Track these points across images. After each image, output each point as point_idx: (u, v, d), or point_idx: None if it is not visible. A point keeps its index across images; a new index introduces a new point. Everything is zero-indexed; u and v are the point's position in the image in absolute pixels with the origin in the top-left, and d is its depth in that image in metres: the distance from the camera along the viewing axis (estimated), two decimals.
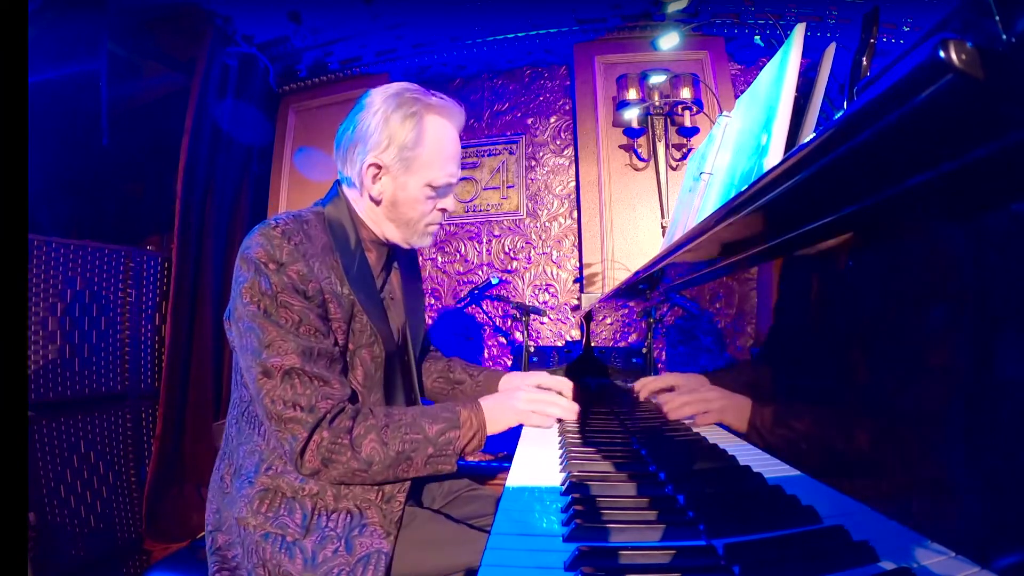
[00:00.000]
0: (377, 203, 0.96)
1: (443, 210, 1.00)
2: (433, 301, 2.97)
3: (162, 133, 2.58)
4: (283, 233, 0.85)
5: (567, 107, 2.97)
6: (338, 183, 1.02)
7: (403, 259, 1.12)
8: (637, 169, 2.72)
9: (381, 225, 0.99)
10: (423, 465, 0.85)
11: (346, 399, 0.85)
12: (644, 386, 1.04)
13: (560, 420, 1.01)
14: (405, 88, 0.93)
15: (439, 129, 0.93)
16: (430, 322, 2.95)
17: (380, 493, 0.89)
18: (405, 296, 1.09)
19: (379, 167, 0.92)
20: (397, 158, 0.91)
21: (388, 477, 0.85)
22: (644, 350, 1.12)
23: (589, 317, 1.76)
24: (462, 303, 2.86)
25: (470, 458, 2.63)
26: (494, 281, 2.58)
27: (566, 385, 1.11)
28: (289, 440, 0.80)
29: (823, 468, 0.48)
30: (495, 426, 0.93)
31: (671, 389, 0.95)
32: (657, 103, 2.59)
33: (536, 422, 0.98)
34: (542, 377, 1.14)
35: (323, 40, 2.94)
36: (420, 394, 1.12)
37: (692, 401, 0.82)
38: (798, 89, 0.79)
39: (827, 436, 0.46)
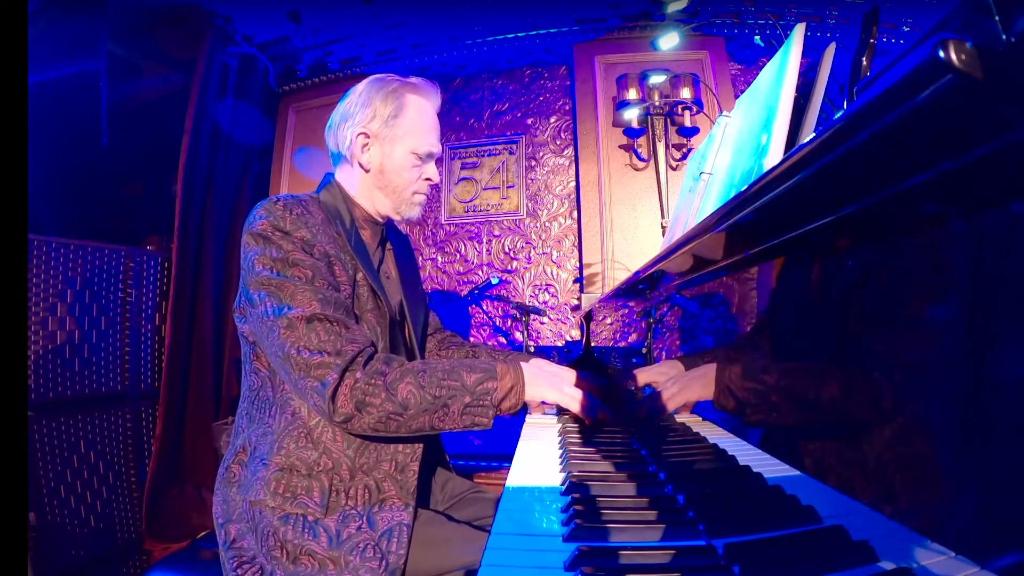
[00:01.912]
0: (367, 171, 1.04)
1: (428, 180, 1.07)
2: (431, 300, 2.97)
3: (162, 133, 2.58)
4: (284, 206, 0.90)
5: (567, 107, 2.97)
6: (329, 175, 1.09)
7: (396, 242, 1.18)
8: (637, 169, 2.72)
9: (372, 197, 1.05)
10: (459, 415, 0.84)
11: (370, 345, 0.86)
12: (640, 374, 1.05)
13: (563, 416, 1.00)
14: (386, 75, 1.06)
15: (418, 103, 1.04)
16: None
17: (394, 463, 0.90)
18: (401, 276, 1.14)
19: (367, 136, 1.01)
20: (382, 126, 1.01)
21: (424, 425, 0.83)
22: (644, 350, 1.12)
23: (589, 317, 1.76)
24: (462, 303, 2.86)
25: (471, 459, 2.63)
26: (494, 281, 2.58)
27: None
28: (318, 387, 0.80)
29: (823, 468, 0.48)
30: (534, 390, 0.90)
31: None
32: (657, 103, 2.59)
33: (574, 407, 0.94)
34: (573, 375, 1.07)
35: (323, 40, 2.94)
36: None
37: (660, 385, 0.84)
38: (798, 89, 0.79)
39: (827, 436, 0.46)
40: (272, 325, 0.83)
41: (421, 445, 0.93)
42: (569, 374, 0.98)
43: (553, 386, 0.93)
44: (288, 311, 0.82)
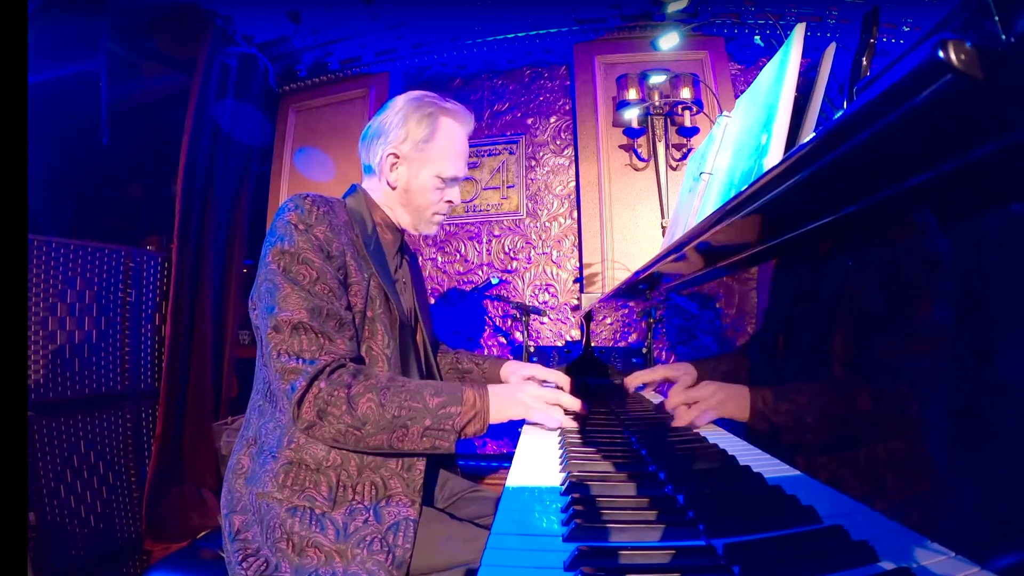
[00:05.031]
0: (393, 188, 1.09)
1: (449, 202, 1.12)
2: (432, 301, 2.97)
3: (162, 133, 2.58)
4: (312, 202, 0.94)
5: (567, 107, 2.97)
6: (355, 185, 1.13)
7: (411, 256, 1.23)
8: (637, 169, 2.72)
9: (394, 210, 1.11)
10: (419, 437, 0.84)
11: (349, 358, 0.87)
12: (634, 379, 1.05)
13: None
14: (424, 94, 1.09)
15: (450, 129, 1.07)
16: None
17: (400, 461, 0.90)
18: (415, 286, 1.18)
19: (397, 157, 1.06)
20: (412, 149, 1.05)
21: (382, 443, 0.84)
22: (644, 350, 1.12)
23: (589, 317, 1.77)
24: (462, 303, 2.86)
25: (471, 459, 2.63)
26: (494, 281, 2.58)
27: (563, 379, 1.12)
28: (288, 391, 0.82)
29: (823, 468, 0.48)
30: (499, 413, 0.92)
31: (665, 382, 0.95)
32: (657, 103, 2.59)
33: (540, 419, 0.96)
34: (539, 369, 1.21)
35: (323, 40, 2.93)
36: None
37: (690, 400, 0.82)
38: (798, 89, 0.79)
39: (827, 436, 0.46)
40: (265, 324, 0.86)
41: None
42: (532, 385, 0.99)
43: (521, 406, 0.95)
44: (278, 313, 0.84)
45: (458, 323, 2.92)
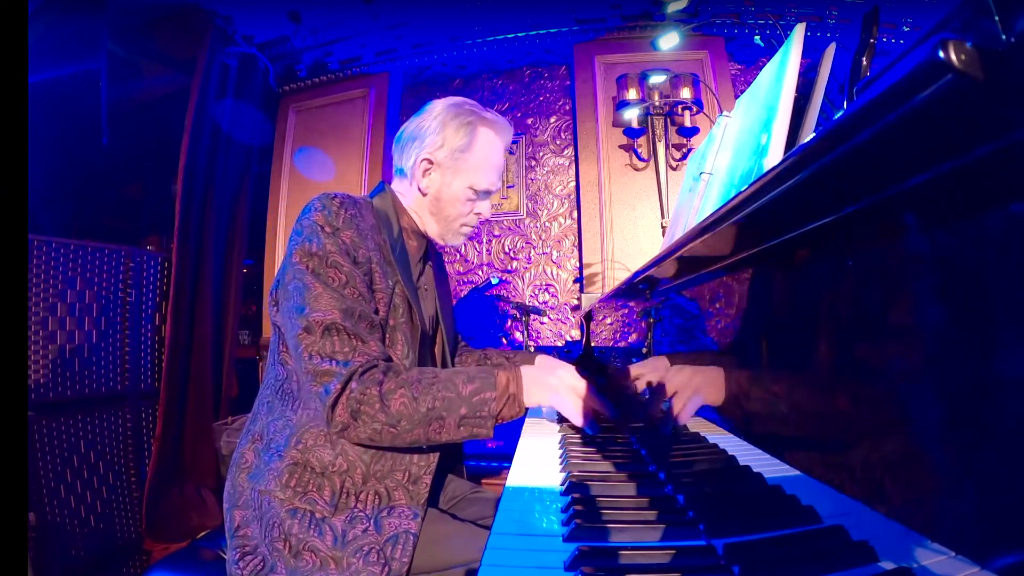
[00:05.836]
0: (423, 195, 1.06)
1: (479, 214, 1.10)
2: None
3: (162, 133, 2.58)
4: (341, 203, 0.91)
5: (567, 107, 2.97)
6: (383, 183, 1.11)
7: (436, 262, 1.21)
8: (637, 169, 2.72)
9: (423, 217, 1.09)
10: (456, 427, 0.82)
11: (382, 358, 0.85)
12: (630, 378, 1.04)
13: (563, 420, 1.00)
14: (464, 101, 1.06)
15: (488, 140, 1.05)
16: None
17: (407, 474, 0.89)
18: (438, 292, 1.16)
19: (431, 163, 1.03)
20: (448, 157, 1.02)
21: (419, 437, 0.82)
22: (644, 350, 1.12)
23: (589, 317, 1.77)
24: (462, 303, 2.86)
25: (471, 459, 2.63)
26: (494, 281, 2.58)
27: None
28: (322, 394, 0.80)
29: (823, 468, 0.48)
30: (531, 398, 0.88)
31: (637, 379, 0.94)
32: (657, 103, 2.59)
33: (568, 412, 0.91)
34: (573, 374, 1.10)
35: (323, 40, 2.94)
36: None
37: (674, 390, 0.80)
38: (798, 89, 0.79)
39: (827, 436, 0.46)
40: (295, 321, 0.84)
41: (436, 458, 0.92)
42: (566, 373, 0.94)
43: (547, 389, 0.91)
44: (309, 313, 0.83)
45: (458, 323, 2.92)
